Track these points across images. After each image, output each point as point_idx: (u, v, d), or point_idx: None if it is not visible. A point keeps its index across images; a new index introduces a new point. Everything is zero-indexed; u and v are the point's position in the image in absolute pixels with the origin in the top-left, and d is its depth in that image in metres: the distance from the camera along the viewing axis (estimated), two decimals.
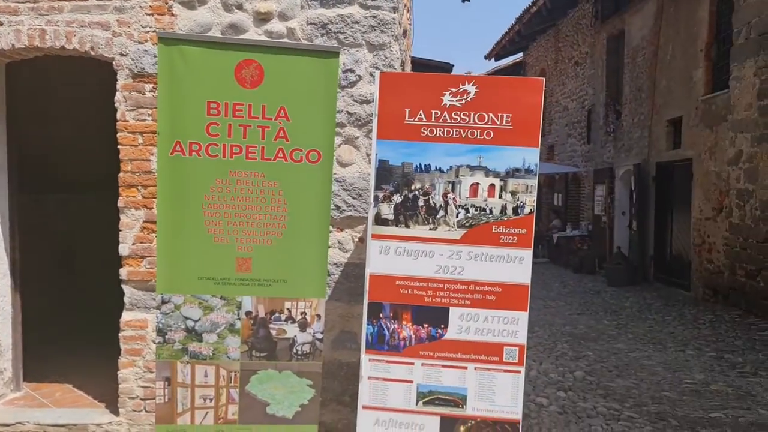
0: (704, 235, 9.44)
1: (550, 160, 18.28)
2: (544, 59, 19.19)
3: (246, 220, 3.00)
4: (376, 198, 3.11)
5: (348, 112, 3.55)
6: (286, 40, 3.54)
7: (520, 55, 21.78)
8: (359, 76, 3.53)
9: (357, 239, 3.64)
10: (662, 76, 11.04)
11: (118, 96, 3.64)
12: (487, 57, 21.27)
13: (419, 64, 13.41)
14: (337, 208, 3.59)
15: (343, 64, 3.52)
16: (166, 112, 2.90)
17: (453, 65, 13.32)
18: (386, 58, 3.50)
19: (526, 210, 3.08)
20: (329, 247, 3.58)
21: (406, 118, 3.06)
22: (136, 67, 3.62)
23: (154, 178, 3.55)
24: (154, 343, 3.48)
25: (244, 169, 2.97)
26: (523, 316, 3.09)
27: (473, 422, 3.10)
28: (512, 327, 3.08)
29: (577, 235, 14.33)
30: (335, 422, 3.63)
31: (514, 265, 3.06)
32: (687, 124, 10.08)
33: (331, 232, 3.59)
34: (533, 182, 3.08)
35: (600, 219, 13.67)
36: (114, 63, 3.65)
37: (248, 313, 3.08)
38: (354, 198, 3.58)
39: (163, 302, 3.02)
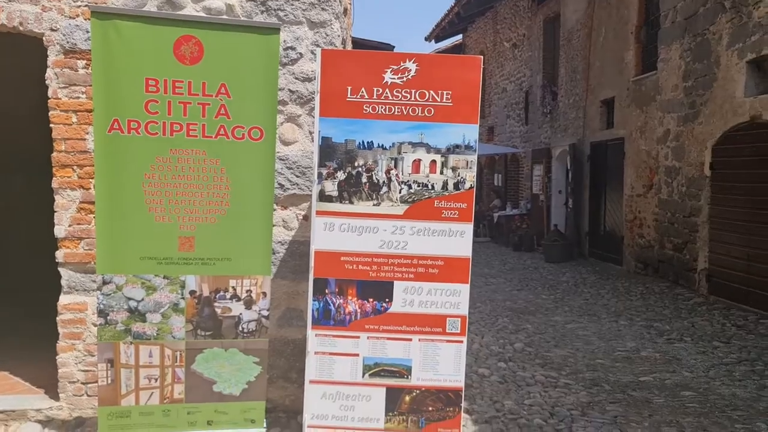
0: (635, 211, 9.87)
1: (490, 141, 18.63)
2: (483, 41, 19.44)
3: (188, 199, 2.97)
4: (319, 175, 3.13)
5: (290, 90, 3.54)
6: (225, 16, 3.49)
7: (460, 37, 22.01)
8: (300, 54, 3.52)
9: (301, 217, 3.66)
10: (596, 58, 11.40)
11: (49, 73, 3.52)
12: (428, 39, 21.37)
13: (360, 45, 13.37)
14: (281, 186, 3.59)
15: (284, 41, 3.51)
16: (101, 90, 2.83)
17: (394, 46, 13.36)
18: (327, 35, 3.51)
19: (467, 185, 3.17)
20: (274, 225, 3.59)
21: (348, 96, 3.09)
22: (68, 42, 3.50)
23: (90, 157, 3.46)
24: (95, 325, 3.42)
25: (185, 147, 2.94)
26: (465, 288, 3.20)
27: (418, 392, 3.19)
28: (454, 299, 3.18)
29: (517, 214, 14.71)
30: (282, 398, 3.67)
31: (456, 239, 3.15)
32: (619, 104, 10.46)
33: (275, 210, 3.59)
34: (473, 158, 3.17)
35: (538, 198, 14.06)
36: (44, 39, 3.52)
37: (192, 292, 3.06)
38: (298, 176, 3.59)
39: (104, 283, 2.97)
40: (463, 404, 4.26)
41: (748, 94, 7.04)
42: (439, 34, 20.64)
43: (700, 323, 6.61)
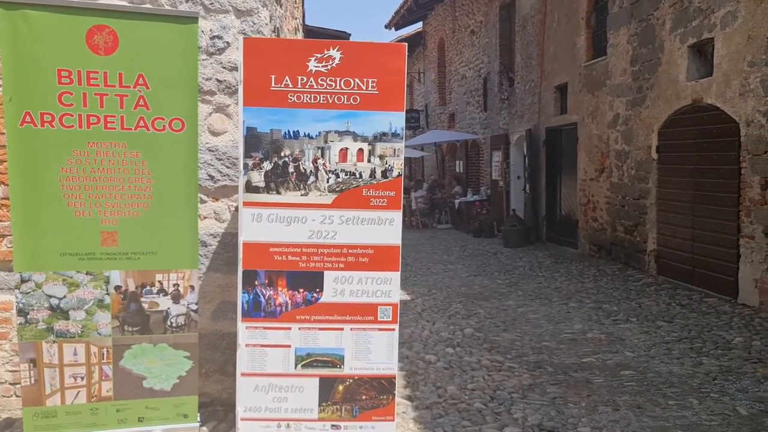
0: (589, 194, 10.03)
1: (451, 128, 18.71)
2: (442, 28, 19.45)
3: (109, 192, 2.91)
4: (245, 166, 3.09)
5: (218, 80, 3.49)
6: (148, 5, 3.41)
7: (420, 24, 21.99)
8: (227, 43, 3.46)
9: (233, 209, 3.62)
10: (549, 44, 11.50)
11: None
12: (387, 26, 21.30)
13: (315, 33, 13.25)
14: (212, 177, 3.54)
15: (211, 30, 3.45)
16: (11, 81, 2.74)
17: (350, 34, 13.27)
18: (254, 24, 3.45)
19: (395, 173, 3.16)
20: (205, 217, 3.55)
21: (273, 85, 3.05)
22: None
23: (4, 152, 3.35)
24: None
25: (104, 140, 2.87)
26: (395, 276, 3.20)
27: (351, 381, 3.20)
28: (385, 287, 3.18)
29: (477, 200, 14.83)
30: (219, 392, 3.64)
31: (385, 227, 3.15)
32: (572, 89, 10.58)
33: (206, 202, 3.55)
34: (400, 146, 3.17)
35: (497, 184, 14.18)
36: None
37: (117, 288, 3.01)
38: (228, 167, 3.55)
39: (23, 281, 2.90)
40: (407, 391, 4.30)
41: (690, 78, 7.17)
42: (398, 21, 20.59)
43: (646, 304, 6.76)
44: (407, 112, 22.99)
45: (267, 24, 3.54)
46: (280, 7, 4.29)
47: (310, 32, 13.16)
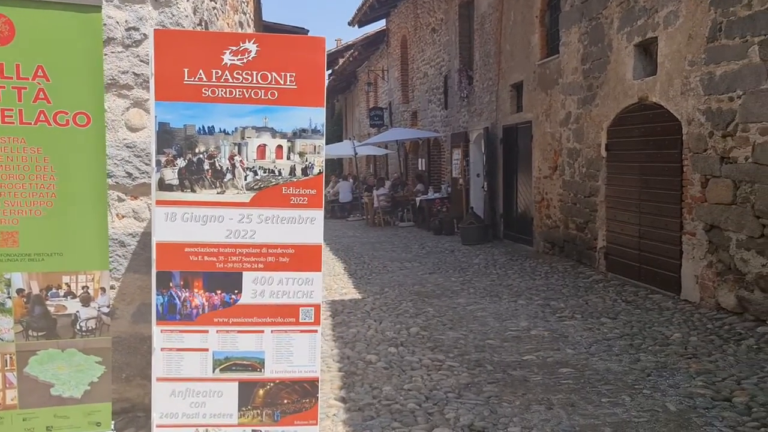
0: (543, 192, 10.08)
1: (414, 126, 18.70)
2: (404, 26, 19.42)
3: (8, 191, 2.76)
4: (158, 163, 2.97)
5: (135, 74, 3.36)
6: None
7: (384, 22, 21.92)
8: (145, 35, 3.33)
9: None
10: (506, 42, 11.53)
11: None
12: (350, 23, 21.18)
13: (272, 29, 13.08)
14: (129, 175, 3.41)
15: (126, 21, 3.31)
16: None
17: (308, 30, 13.12)
18: (173, 15, 3.33)
19: (315, 170, 3.08)
20: (124, 216, 3.41)
21: (186, 78, 2.93)
22: None
23: None
24: None
25: (1, 135, 2.72)
26: (317, 277, 3.11)
27: (272, 384, 3.10)
28: (307, 288, 3.10)
29: (437, 198, 14.83)
30: (141, 397, 3.51)
31: (306, 226, 3.06)
32: (527, 88, 10.63)
33: (124, 200, 3.41)
34: (321, 142, 3.08)
35: (457, 181, 14.19)
36: None
37: (20, 291, 2.86)
38: (147, 164, 3.42)
39: None
40: (342, 392, 4.23)
41: (636, 77, 7.24)
42: (361, 19, 20.48)
43: (593, 300, 6.80)
44: (371, 109, 23.05)
45: (188, 16, 3.42)
46: None
47: (267, 28, 12.99)
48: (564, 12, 9.08)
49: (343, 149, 20.88)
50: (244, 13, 7.70)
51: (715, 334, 5.32)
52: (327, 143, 23.91)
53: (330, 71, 27.92)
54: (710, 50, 5.94)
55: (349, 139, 21.88)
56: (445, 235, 13.58)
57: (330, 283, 8.48)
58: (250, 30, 8.26)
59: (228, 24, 5.55)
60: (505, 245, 11.55)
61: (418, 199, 15.73)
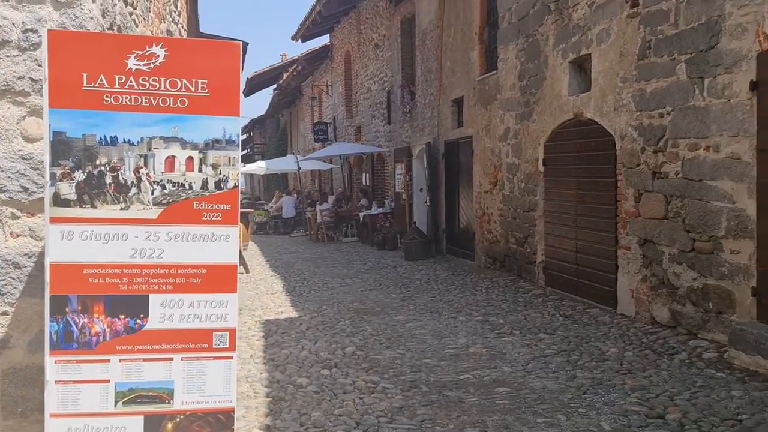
0: (484, 207, 10.09)
1: (358, 140, 18.59)
2: (348, 42, 19.37)
3: None
4: (53, 176, 2.71)
5: (32, 79, 3.07)
6: None
7: (328, 37, 21.83)
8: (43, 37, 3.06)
9: None
10: (446, 58, 11.57)
11: None
12: (294, 38, 20.94)
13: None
14: (26, 189, 3.11)
15: (23, 23, 3.03)
16: None
17: (248, 43, 12.87)
18: (76, 17, 3.07)
19: (230, 184, 2.87)
20: (18, 235, 3.11)
21: (85, 84, 2.69)
22: None
23: None
24: None
25: None
26: (233, 298, 2.89)
27: (182, 416, 2.85)
28: (221, 311, 2.87)
29: (381, 213, 14.71)
30: None
31: (220, 244, 2.84)
32: (467, 103, 10.66)
33: (20, 217, 3.11)
34: (236, 154, 2.88)
35: (401, 196, 14.12)
36: None
37: None
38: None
39: None
40: (267, 420, 3.98)
41: (571, 93, 7.31)
42: (304, 33, 20.29)
43: (532, 315, 6.76)
44: (316, 124, 22.84)
45: (94, 18, 3.17)
46: (125, 3, 3.91)
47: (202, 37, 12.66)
48: (502, 29, 9.15)
49: (286, 164, 20.58)
50: (175, 23, 7.42)
51: (649, 348, 5.33)
52: (271, 158, 23.49)
53: (275, 86, 27.62)
54: (641, 67, 6.03)
55: (293, 153, 21.55)
56: (389, 250, 13.46)
57: (267, 301, 8.20)
58: (169, 33, 7.97)
59: (152, 32, 5.28)
60: (447, 260, 11.50)
61: (361, 214, 15.59)
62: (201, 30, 12.48)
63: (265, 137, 40.15)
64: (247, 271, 10.85)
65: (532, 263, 8.47)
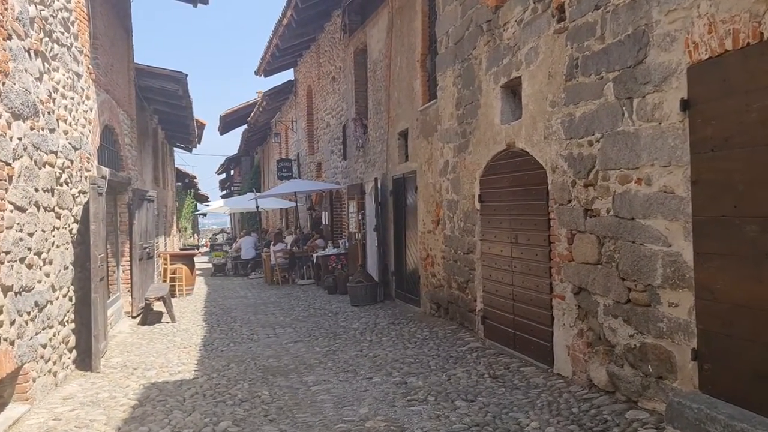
0: (428, 248, 9.23)
1: (319, 177, 17.81)
2: (309, 75, 18.77)
3: None
4: None
5: None
6: None
7: (292, 71, 21.26)
8: None
9: None
10: (394, 89, 10.87)
11: None
12: (257, 72, 20.32)
13: (147, 73, 12.08)
14: None
15: None
16: None
17: (187, 75, 12.16)
18: None
19: None
20: None
21: None
22: None
23: None
24: None
25: None
26: None
27: None
28: None
29: (333, 254, 13.81)
30: None
31: None
32: (411, 135, 9.91)
33: None
34: None
35: (354, 236, 13.27)
36: None
37: None
38: None
39: None
40: None
41: (504, 121, 6.54)
42: (266, 68, 19.66)
43: (458, 375, 5.84)
44: (279, 161, 22.09)
45: None
46: None
47: (140, 71, 11.96)
48: (440, 54, 8.44)
49: (246, 202, 19.70)
50: (84, 55, 6.62)
51: (577, 422, 4.42)
52: (242, 195, 22.57)
53: (245, 123, 26.94)
54: (569, 89, 5.27)
55: (252, 191, 20.71)
56: (340, 294, 12.52)
57: (172, 358, 7.23)
58: (81, 68, 7.18)
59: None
60: (394, 306, 10.57)
61: (314, 255, 14.68)
62: (137, 61, 11.77)
63: (242, 175, 39.35)
64: (173, 320, 9.88)
65: (472, 311, 7.58)
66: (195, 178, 37.32)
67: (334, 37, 15.44)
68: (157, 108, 15.40)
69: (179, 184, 32.49)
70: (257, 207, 17.84)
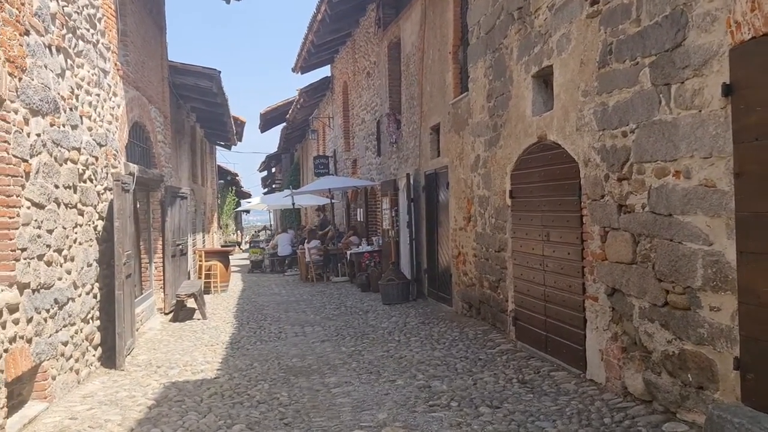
0: (459, 245, 8.96)
1: (354, 174, 17.67)
2: (345, 71, 18.63)
3: None
4: None
5: None
6: None
7: (329, 68, 21.19)
8: None
9: None
10: (427, 83, 10.61)
11: None
12: (294, 70, 20.31)
13: (181, 70, 12.12)
14: None
15: None
16: None
17: (220, 71, 12.15)
18: None
19: None
20: None
21: None
22: None
23: None
24: None
25: None
26: None
27: None
28: None
29: (367, 251, 13.64)
30: None
31: None
32: (443, 130, 9.64)
33: None
34: None
35: (387, 233, 13.06)
36: None
37: None
38: None
39: None
40: None
41: (535, 113, 6.23)
42: (302, 65, 19.61)
43: (485, 380, 5.58)
44: (316, 158, 22.07)
45: None
46: None
47: (174, 69, 12.01)
48: (471, 45, 8.15)
49: (281, 199, 19.72)
50: (112, 52, 6.60)
51: None
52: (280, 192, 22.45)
53: (285, 121, 27.01)
54: (602, 77, 4.93)
55: (289, 188, 20.72)
56: (373, 291, 12.33)
57: (197, 356, 7.17)
58: (108, 65, 7.18)
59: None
60: (426, 305, 10.32)
61: (348, 252, 14.54)
62: (170, 59, 11.81)
63: (282, 172, 39.59)
64: (204, 318, 9.87)
65: (504, 311, 7.28)
66: (237, 175, 37.75)
67: (368, 32, 15.25)
68: (194, 106, 15.49)
69: (221, 181, 32.86)
70: (293, 204, 17.82)
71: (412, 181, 11.22)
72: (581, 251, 5.38)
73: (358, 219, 17.09)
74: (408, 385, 5.58)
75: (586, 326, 5.33)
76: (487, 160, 7.61)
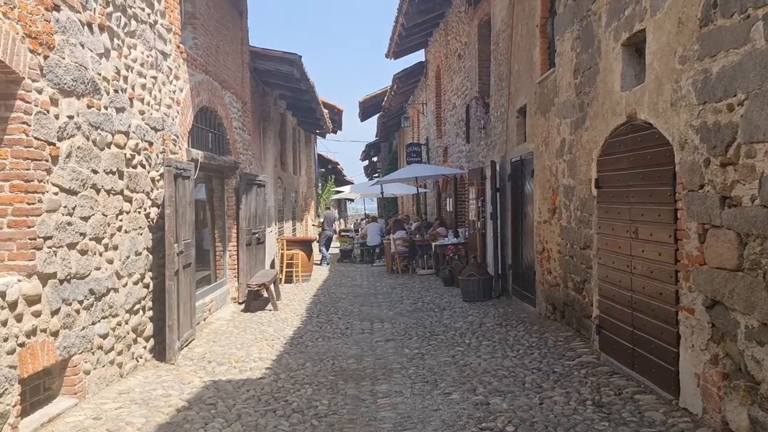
0: (543, 240, 8.05)
1: (445, 162, 16.94)
2: (438, 55, 17.87)
3: None
4: None
5: None
6: None
7: (423, 52, 20.49)
8: None
9: None
10: (515, 61, 9.69)
11: None
12: (387, 55, 19.83)
13: (261, 55, 11.93)
14: None
15: None
16: None
17: (300, 56, 11.82)
18: None
19: None
20: None
21: None
22: None
23: None
24: None
25: None
26: None
27: None
28: None
29: (451, 244, 12.91)
30: None
31: None
32: (529, 112, 8.73)
33: None
34: None
35: (474, 224, 12.27)
36: None
37: None
38: None
39: None
40: None
41: (625, 87, 5.27)
42: (395, 50, 19.07)
43: (554, 399, 4.78)
44: (408, 145, 21.49)
45: None
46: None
47: (257, 54, 11.84)
48: (558, 15, 7.20)
49: (369, 188, 19.33)
50: (176, 34, 6.38)
51: None
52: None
53: (381, 111, 26.63)
54: (704, 37, 3.96)
55: (377, 176, 20.27)
56: (455, 286, 11.59)
57: (252, 351, 6.84)
58: (168, 47, 6.96)
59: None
60: (508, 303, 9.49)
61: (434, 244, 13.88)
62: (252, 44, 11.65)
63: (381, 161, 39.42)
64: (275, 309, 9.61)
65: (589, 317, 6.37)
66: (338, 164, 37.95)
67: (460, 11, 14.41)
68: (283, 93, 15.38)
69: (322, 169, 33.11)
70: (381, 192, 17.38)
71: (498, 169, 10.37)
72: (675, 252, 4.43)
73: (448, 209, 16.36)
74: (463, 400, 4.89)
75: (679, 343, 4.38)
76: (572, 144, 6.68)
